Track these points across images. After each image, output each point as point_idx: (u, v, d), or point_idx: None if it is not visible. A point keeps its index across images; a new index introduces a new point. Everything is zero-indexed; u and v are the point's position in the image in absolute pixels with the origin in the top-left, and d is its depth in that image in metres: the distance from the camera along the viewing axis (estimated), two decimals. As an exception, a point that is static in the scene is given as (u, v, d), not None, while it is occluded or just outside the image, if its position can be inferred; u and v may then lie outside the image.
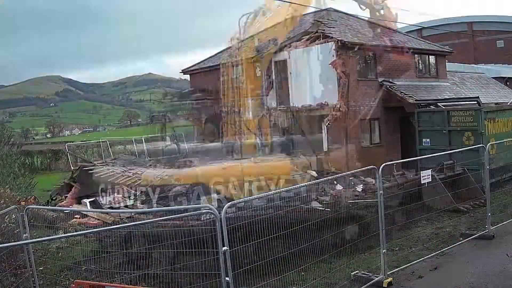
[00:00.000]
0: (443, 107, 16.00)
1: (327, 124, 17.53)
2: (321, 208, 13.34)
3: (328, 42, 20.15)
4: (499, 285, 7.61)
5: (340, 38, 19.82)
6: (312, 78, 19.54)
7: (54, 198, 14.93)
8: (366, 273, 8.11)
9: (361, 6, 17.14)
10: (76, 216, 11.81)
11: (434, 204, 12.32)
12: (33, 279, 7.51)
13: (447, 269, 8.39)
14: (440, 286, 7.72)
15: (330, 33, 20.35)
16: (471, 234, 10.04)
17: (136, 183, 11.34)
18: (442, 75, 24.22)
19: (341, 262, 8.88)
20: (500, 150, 14.97)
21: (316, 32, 20.68)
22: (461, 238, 9.92)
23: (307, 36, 21.23)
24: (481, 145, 12.00)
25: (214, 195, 10.05)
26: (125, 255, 9.47)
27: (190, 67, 28.97)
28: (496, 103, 21.39)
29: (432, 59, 24.01)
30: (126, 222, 9.27)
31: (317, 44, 20.27)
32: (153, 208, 14.93)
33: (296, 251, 8.73)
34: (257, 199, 8.71)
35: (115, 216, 11.75)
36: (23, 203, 11.92)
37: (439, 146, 14.64)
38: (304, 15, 25.50)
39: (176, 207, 13.33)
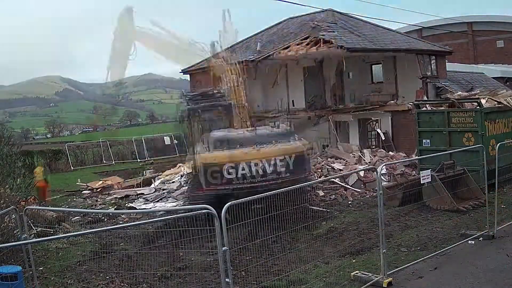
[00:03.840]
0: (443, 108, 15.98)
1: None
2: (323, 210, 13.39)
3: (329, 48, 20.01)
4: (499, 285, 7.61)
5: (340, 44, 19.70)
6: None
7: None
8: (366, 273, 8.10)
9: None
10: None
11: (434, 204, 12.33)
12: (33, 279, 7.51)
13: (447, 269, 8.39)
14: (440, 286, 7.71)
15: (331, 39, 20.21)
16: (471, 234, 10.03)
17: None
18: (442, 75, 24.20)
19: (341, 262, 8.89)
20: (500, 151, 14.95)
21: (316, 37, 20.64)
22: (461, 238, 9.92)
23: (307, 40, 21.18)
24: (480, 145, 11.99)
25: None
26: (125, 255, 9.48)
27: (190, 67, 28.93)
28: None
29: (432, 59, 23.98)
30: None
31: (318, 49, 20.23)
32: (152, 209, 14.99)
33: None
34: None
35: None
36: (23, 203, 11.91)
37: (439, 146, 14.63)
38: (302, 15, 25.52)
39: (175, 207, 13.39)
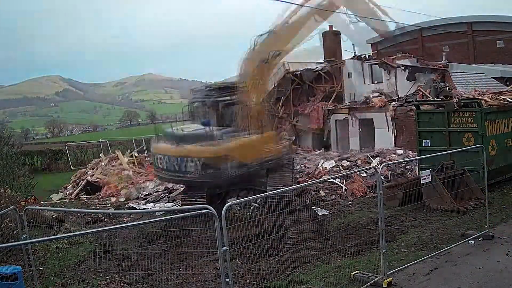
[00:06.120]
0: (443, 108, 15.96)
1: None
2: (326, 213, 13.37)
3: None
4: (499, 285, 7.61)
5: None
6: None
7: None
8: (366, 273, 8.10)
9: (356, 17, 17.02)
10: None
11: (434, 204, 12.33)
12: (33, 279, 7.51)
13: (447, 269, 8.39)
14: (440, 286, 7.71)
15: None
16: (471, 234, 10.03)
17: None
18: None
19: (341, 262, 8.89)
20: (500, 151, 14.96)
21: None
22: (461, 238, 9.92)
23: None
24: (480, 145, 11.98)
25: None
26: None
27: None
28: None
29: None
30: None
31: None
32: (152, 209, 14.99)
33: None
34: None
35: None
36: (23, 203, 11.92)
37: (439, 147, 14.63)
38: None
39: (175, 207, 13.42)
